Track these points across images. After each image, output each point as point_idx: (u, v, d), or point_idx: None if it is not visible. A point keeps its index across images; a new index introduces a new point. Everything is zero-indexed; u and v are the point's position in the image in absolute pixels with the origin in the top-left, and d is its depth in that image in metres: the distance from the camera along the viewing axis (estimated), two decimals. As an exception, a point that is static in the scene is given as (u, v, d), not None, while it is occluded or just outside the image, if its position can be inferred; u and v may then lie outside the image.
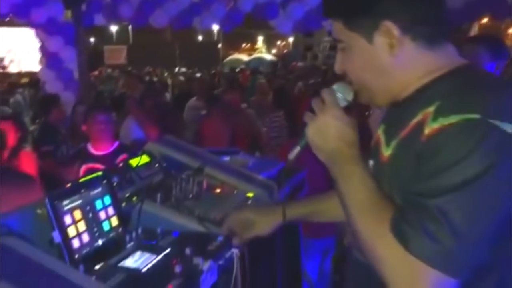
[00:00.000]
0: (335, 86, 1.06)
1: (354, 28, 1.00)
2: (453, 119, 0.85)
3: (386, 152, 1.02)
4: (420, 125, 0.91)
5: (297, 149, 1.10)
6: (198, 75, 12.87)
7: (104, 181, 1.60)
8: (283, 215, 1.32)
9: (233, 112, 4.73)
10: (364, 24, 0.98)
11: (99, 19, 6.25)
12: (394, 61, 0.98)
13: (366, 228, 0.94)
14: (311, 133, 1.03)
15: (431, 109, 0.91)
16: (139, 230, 1.63)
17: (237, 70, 16.02)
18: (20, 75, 14.02)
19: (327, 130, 1.01)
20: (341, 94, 1.05)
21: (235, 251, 1.52)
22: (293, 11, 5.60)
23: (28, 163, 3.53)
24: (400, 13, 0.96)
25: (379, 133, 1.10)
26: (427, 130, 0.89)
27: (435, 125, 0.87)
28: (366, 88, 1.04)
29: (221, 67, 20.19)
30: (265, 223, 1.43)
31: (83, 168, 3.31)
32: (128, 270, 1.36)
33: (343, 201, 1.00)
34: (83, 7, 5.96)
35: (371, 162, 1.09)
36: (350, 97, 1.06)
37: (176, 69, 17.23)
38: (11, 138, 3.37)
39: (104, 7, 6.14)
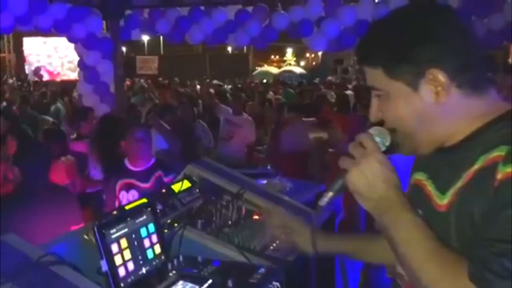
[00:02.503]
0: (372, 130, 1.02)
1: (397, 76, 0.97)
2: None
3: (442, 200, 0.98)
4: (488, 171, 0.88)
5: (329, 195, 1.03)
6: (229, 86, 12.98)
7: (149, 209, 1.62)
8: (314, 244, 1.25)
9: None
10: (409, 72, 0.95)
11: (136, 34, 6.39)
12: (440, 108, 0.96)
13: (436, 277, 0.90)
14: (355, 179, 0.97)
15: (497, 153, 0.88)
16: (180, 258, 1.64)
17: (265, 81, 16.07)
18: (54, 83, 14.44)
19: (373, 176, 0.95)
20: (379, 138, 1.00)
21: (275, 284, 1.51)
22: (327, 29, 5.60)
23: (63, 174, 3.62)
24: (445, 61, 0.94)
25: (422, 180, 1.06)
26: (499, 175, 0.86)
27: (509, 169, 0.85)
28: (410, 137, 1.01)
29: (251, 78, 20.28)
30: (309, 239, 1.34)
31: (120, 183, 3.37)
32: (172, 301, 1.37)
33: (398, 249, 0.97)
34: (121, 22, 6.11)
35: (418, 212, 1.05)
36: (388, 141, 1.01)
37: (207, 81, 17.42)
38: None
39: (141, 22, 6.27)
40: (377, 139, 1.00)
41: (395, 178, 0.97)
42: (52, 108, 7.96)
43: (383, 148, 1.00)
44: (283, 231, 1.51)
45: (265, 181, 2.55)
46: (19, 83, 15.13)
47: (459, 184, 0.95)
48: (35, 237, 1.76)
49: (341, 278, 2.84)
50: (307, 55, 32.17)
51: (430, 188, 1.03)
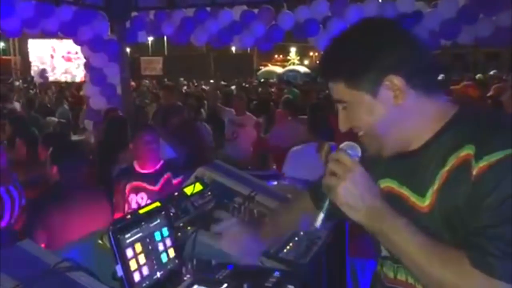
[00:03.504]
0: (343, 146, 1.08)
1: (358, 87, 1.05)
2: (497, 155, 0.93)
3: (423, 202, 1.05)
4: (462, 168, 0.97)
5: (321, 216, 1.08)
6: (233, 87, 12.97)
7: (162, 213, 1.62)
8: None
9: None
10: (368, 81, 1.04)
11: (142, 36, 6.40)
12: (400, 111, 1.04)
13: (442, 270, 0.97)
14: (343, 195, 1.02)
15: (465, 152, 0.97)
16: (194, 261, 1.64)
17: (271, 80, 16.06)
18: (60, 85, 14.48)
19: (358, 188, 1.02)
20: (352, 151, 1.07)
21: (290, 287, 1.50)
22: (333, 28, 5.57)
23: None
24: (399, 67, 1.02)
25: (395, 187, 1.12)
26: (475, 171, 0.95)
27: (482, 164, 0.94)
28: (377, 140, 1.09)
29: (256, 78, 20.26)
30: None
31: (129, 186, 3.36)
32: (188, 306, 1.37)
33: (399, 252, 1.03)
34: (127, 24, 6.11)
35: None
36: (359, 152, 1.07)
37: (211, 81, 17.45)
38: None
39: (147, 24, 6.27)
40: (350, 152, 1.06)
41: (376, 187, 1.06)
42: (59, 110, 7.99)
43: (357, 159, 1.06)
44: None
45: (275, 183, 2.54)
46: (25, 85, 15.19)
47: (436, 185, 1.02)
48: (72, 236, 1.77)
49: (351, 281, 2.84)
50: (311, 54, 32.13)
51: (407, 193, 1.09)
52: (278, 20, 5.83)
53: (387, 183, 1.14)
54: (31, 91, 12.76)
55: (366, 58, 1.03)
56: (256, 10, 5.94)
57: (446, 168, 1.00)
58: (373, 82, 1.03)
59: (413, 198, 1.07)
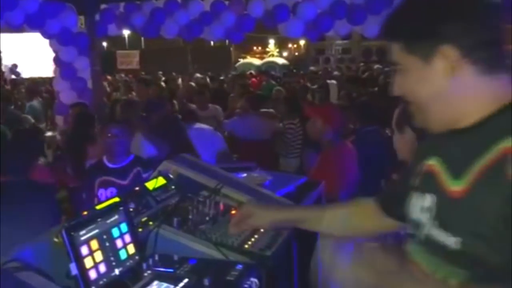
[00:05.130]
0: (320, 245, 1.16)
1: (413, 51, 1.01)
2: None
3: (456, 186, 0.98)
4: (498, 164, 0.91)
5: None
6: (208, 80, 12.86)
7: (121, 208, 1.57)
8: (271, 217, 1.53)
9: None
10: (423, 47, 0.99)
11: (112, 29, 6.26)
12: (453, 84, 0.99)
13: None
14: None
15: (504, 144, 0.91)
16: (156, 257, 1.60)
17: (248, 73, 16.01)
18: (33, 81, 14.16)
19: (355, 275, 1.03)
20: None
21: (254, 280, 1.48)
22: (303, 13, 5.53)
23: (43, 175, 3.55)
24: (460, 37, 0.96)
25: (434, 164, 1.07)
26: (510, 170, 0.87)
27: None
28: (423, 111, 1.04)
29: (234, 71, 20.17)
30: (261, 218, 1.56)
31: (98, 181, 3.31)
32: (146, 303, 1.33)
33: None
34: (97, 17, 5.98)
35: (429, 197, 1.05)
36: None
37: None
38: None
39: (117, 17, 6.14)
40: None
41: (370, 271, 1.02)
42: (27, 105, 7.80)
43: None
44: (239, 224, 1.59)
45: (244, 175, 2.51)
46: (-5, 81, 14.80)
47: (473, 172, 0.95)
48: (19, 238, 1.71)
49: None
50: (290, 45, 32.13)
51: (443, 173, 1.03)
52: (248, 9, 5.76)
53: (432, 161, 1.08)
54: (6, 86, 12.41)
55: (426, 23, 0.98)
56: (226, 1, 5.86)
57: (487, 158, 0.93)
58: (428, 49, 0.98)
59: (447, 180, 1.01)
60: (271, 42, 31.34)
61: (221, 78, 12.29)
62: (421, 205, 1.07)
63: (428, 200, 1.04)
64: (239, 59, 27.79)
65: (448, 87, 0.99)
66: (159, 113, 4.47)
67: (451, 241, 0.96)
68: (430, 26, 0.98)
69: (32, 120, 6.61)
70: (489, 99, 0.98)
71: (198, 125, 4.70)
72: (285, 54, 31.48)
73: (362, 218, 1.44)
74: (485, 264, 0.92)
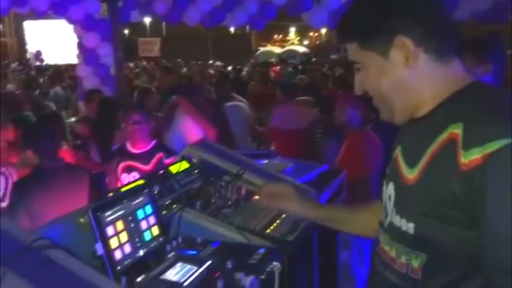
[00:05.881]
0: None
1: (369, 48, 1.05)
2: (493, 146, 0.87)
3: (410, 175, 1.02)
4: (448, 147, 0.93)
5: None
6: (229, 68, 12.85)
7: (146, 190, 1.59)
8: (310, 211, 1.47)
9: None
10: (379, 42, 1.03)
11: (135, 15, 6.29)
12: (411, 73, 1.03)
13: None
14: None
15: (451, 130, 0.93)
16: (179, 239, 1.62)
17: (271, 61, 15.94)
18: (57, 68, 14.36)
19: None
20: None
21: (276, 264, 1.48)
22: (327, 2, 5.47)
23: (69, 159, 3.62)
24: (411, 28, 1.01)
25: (397, 153, 1.11)
26: (465, 160, 0.90)
27: (476, 155, 0.88)
28: (387, 104, 1.08)
29: (254, 59, 20.11)
30: (297, 204, 1.50)
31: (121, 166, 3.36)
32: (170, 283, 1.35)
33: None
34: (120, 3, 6.01)
35: (391, 185, 1.10)
36: None
37: (210, 62, 17.29)
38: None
39: (140, 3, 6.16)
40: None
41: None
42: (51, 92, 7.91)
43: None
44: (271, 198, 1.54)
45: (265, 161, 2.51)
46: (20, 67, 15.07)
47: (424, 159, 0.99)
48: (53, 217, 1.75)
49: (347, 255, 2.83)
50: (311, 34, 31.83)
51: (401, 161, 1.08)
52: (271, -4, 5.72)
53: (397, 150, 1.12)
54: (31, 73, 12.62)
55: (378, 18, 1.03)
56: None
57: (435, 145, 0.97)
58: (384, 42, 1.03)
59: (403, 168, 1.05)
60: (292, 30, 31.10)
61: (238, 67, 12.24)
62: (388, 194, 1.11)
63: (390, 188, 1.10)
64: (260, 47, 27.67)
65: (407, 76, 1.03)
66: (199, 96, 4.48)
67: (407, 226, 1.01)
68: (382, 22, 1.02)
69: (54, 107, 6.72)
70: (444, 86, 1.02)
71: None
72: (305, 42, 31.21)
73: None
74: (440, 247, 0.96)
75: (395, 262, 1.05)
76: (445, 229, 0.94)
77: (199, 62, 14.90)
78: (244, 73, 11.18)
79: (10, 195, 3.13)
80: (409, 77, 1.03)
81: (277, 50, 25.80)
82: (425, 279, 0.99)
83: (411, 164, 1.03)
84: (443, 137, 0.95)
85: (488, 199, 0.88)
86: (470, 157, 0.89)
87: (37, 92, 7.81)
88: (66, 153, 3.69)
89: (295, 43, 30.13)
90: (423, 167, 0.99)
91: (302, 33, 31.47)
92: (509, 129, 0.88)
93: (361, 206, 1.45)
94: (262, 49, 26.93)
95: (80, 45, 6.27)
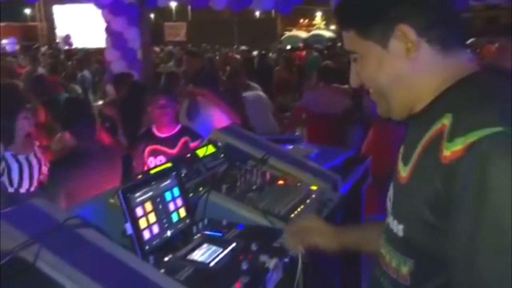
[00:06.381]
0: None
1: (368, 36, 0.96)
2: (474, 135, 0.77)
3: (404, 173, 0.96)
4: (436, 141, 0.85)
5: None
6: (254, 53, 12.80)
7: (173, 173, 1.63)
8: (339, 243, 1.34)
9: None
10: (378, 30, 0.95)
11: (162, 0, 6.32)
12: (412, 66, 0.94)
13: None
14: None
15: (441, 122, 0.86)
16: (205, 221, 1.65)
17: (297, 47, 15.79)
18: (86, 52, 14.58)
19: None
20: None
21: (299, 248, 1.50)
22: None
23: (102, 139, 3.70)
24: (413, 16, 0.93)
25: (400, 151, 1.04)
26: (447, 152, 0.81)
27: (458, 147, 0.79)
28: (385, 98, 1.00)
29: (279, 44, 19.97)
30: (329, 237, 1.38)
31: (148, 149, 3.42)
32: (196, 263, 1.39)
33: None
34: (148, -13, 6.06)
35: (392, 186, 1.04)
36: None
37: (235, 47, 17.27)
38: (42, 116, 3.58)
39: (168, -13, 6.19)
40: None
41: None
42: (79, 75, 8.06)
43: None
44: (303, 235, 1.43)
45: (290, 147, 2.52)
46: (50, 51, 15.35)
47: (415, 156, 0.92)
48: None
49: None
50: (337, 18, 31.28)
51: (400, 160, 1.01)
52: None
53: (400, 149, 1.05)
54: (61, 56, 12.85)
55: (377, 4, 0.95)
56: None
57: (424, 140, 0.89)
58: (383, 31, 0.94)
59: (400, 166, 0.99)
60: (318, 14, 30.70)
61: (263, 52, 12.18)
62: (389, 194, 1.05)
63: (391, 189, 1.04)
64: (285, 32, 27.43)
65: (407, 69, 0.94)
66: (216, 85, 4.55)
67: (398, 228, 0.95)
68: (382, 8, 0.94)
69: (79, 90, 6.85)
70: (447, 79, 0.92)
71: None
72: (332, 27, 30.77)
73: None
74: (426, 253, 0.89)
75: (388, 267, 0.99)
76: (429, 234, 0.87)
77: (220, 47, 14.88)
78: (270, 58, 11.12)
79: (40, 177, 3.23)
80: (410, 69, 0.94)
81: (303, 34, 25.52)
82: (413, 285, 0.92)
83: (405, 161, 0.96)
84: (433, 130, 0.88)
85: (458, 204, 0.79)
86: (452, 148, 0.80)
87: (62, 75, 7.96)
88: (104, 135, 3.77)
89: (321, 27, 29.75)
90: (414, 164, 0.92)
91: (328, 18, 31.02)
92: (501, 117, 0.78)
93: (371, 225, 1.35)
94: (287, 33, 26.69)
95: (108, 29, 6.36)
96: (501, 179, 0.74)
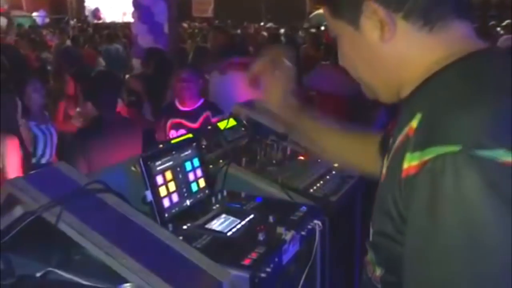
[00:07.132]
0: None
1: (340, 15, 0.85)
2: (431, 152, 0.66)
3: (384, 169, 0.84)
4: (403, 147, 0.73)
5: None
6: (282, 31, 12.65)
7: (194, 144, 1.64)
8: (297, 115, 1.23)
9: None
10: (348, 9, 0.83)
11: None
12: (388, 47, 0.81)
13: None
14: None
15: (412, 122, 0.74)
16: (224, 192, 1.67)
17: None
18: (114, 26, 14.67)
19: None
20: None
21: (317, 222, 1.51)
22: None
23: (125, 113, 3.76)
24: None
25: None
26: (405, 164, 0.70)
27: (414, 162, 0.69)
28: (367, 83, 0.89)
29: (308, 22, 19.69)
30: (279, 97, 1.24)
31: (170, 123, 3.46)
32: (214, 232, 1.40)
33: None
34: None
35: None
36: None
37: (262, 24, 17.11)
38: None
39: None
40: None
41: None
42: (104, 49, 8.12)
43: None
44: (271, 72, 1.25)
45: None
46: (79, 24, 15.52)
47: (391, 153, 0.80)
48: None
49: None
50: (367, -3, 30.60)
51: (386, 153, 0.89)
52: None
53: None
54: (89, 30, 13.00)
55: None
56: None
57: (398, 139, 0.77)
58: (352, 10, 0.82)
59: (385, 159, 0.87)
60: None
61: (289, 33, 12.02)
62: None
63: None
64: (314, 10, 26.98)
65: (383, 51, 0.81)
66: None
67: (371, 231, 0.86)
68: None
69: (103, 63, 6.91)
70: (436, 59, 0.78)
71: None
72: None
73: (362, 148, 1.19)
74: (393, 260, 0.77)
75: (367, 264, 0.89)
76: (391, 248, 0.77)
77: (247, 23, 14.75)
78: (299, 35, 10.99)
79: (54, 150, 3.32)
80: (387, 51, 0.81)
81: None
82: None
83: (386, 156, 0.85)
84: (405, 130, 0.75)
85: (408, 228, 0.71)
86: (410, 162, 0.70)
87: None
88: (121, 109, 3.83)
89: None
90: (388, 164, 0.81)
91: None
92: (467, 131, 0.66)
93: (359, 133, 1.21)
94: (316, 12, 26.25)
95: (136, 3, 6.37)
96: (450, 203, 0.65)
